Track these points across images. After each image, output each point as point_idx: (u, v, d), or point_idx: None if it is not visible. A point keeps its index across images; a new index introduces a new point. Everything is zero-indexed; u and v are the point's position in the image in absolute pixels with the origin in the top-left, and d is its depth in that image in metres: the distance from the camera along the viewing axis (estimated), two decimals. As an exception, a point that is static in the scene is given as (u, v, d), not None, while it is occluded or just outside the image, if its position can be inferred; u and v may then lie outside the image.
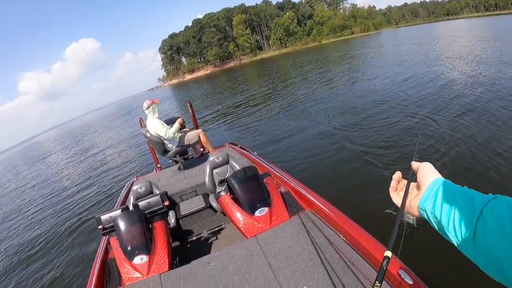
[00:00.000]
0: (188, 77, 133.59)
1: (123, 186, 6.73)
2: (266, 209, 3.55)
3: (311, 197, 3.57)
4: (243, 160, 5.53)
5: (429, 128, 7.89)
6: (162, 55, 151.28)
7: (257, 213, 3.53)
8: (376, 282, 0.87)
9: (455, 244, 0.75)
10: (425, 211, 0.86)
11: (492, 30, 34.90)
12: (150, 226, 3.68)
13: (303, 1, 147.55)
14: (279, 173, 4.54)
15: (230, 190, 3.96)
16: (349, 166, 6.96)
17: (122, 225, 3.54)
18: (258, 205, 3.61)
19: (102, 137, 29.46)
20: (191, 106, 7.40)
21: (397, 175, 1.06)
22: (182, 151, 6.32)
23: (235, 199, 3.86)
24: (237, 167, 4.73)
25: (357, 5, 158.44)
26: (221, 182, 4.31)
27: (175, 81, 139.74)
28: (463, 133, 7.15)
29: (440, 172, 0.89)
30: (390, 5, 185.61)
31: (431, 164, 0.95)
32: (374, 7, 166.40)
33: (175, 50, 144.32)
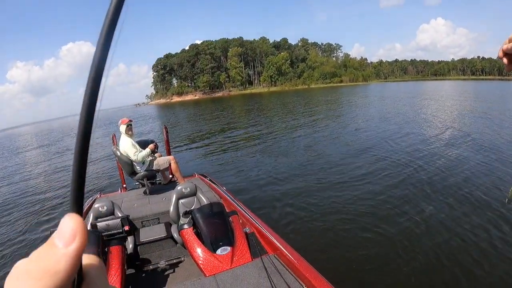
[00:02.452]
0: (176, 99, 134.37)
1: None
2: (228, 249, 3.47)
3: (275, 241, 3.51)
4: (211, 193, 5.46)
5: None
6: (154, 73, 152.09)
7: (219, 251, 3.45)
8: None
9: None
10: None
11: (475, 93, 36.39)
12: (106, 249, 3.54)
13: (299, 44, 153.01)
14: (245, 212, 4.46)
15: (194, 224, 3.90)
16: (319, 213, 6.88)
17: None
18: (221, 243, 3.54)
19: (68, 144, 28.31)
20: (166, 131, 7.33)
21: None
22: (151, 175, 6.23)
23: (198, 234, 3.79)
24: (204, 201, 4.66)
25: (350, 55, 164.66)
26: (186, 214, 4.27)
27: (162, 100, 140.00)
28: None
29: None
30: (382, 60, 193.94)
31: None
32: (366, 59, 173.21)
33: (168, 70, 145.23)
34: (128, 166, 5.99)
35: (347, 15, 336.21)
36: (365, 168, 9.70)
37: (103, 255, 3.44)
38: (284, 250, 3.28)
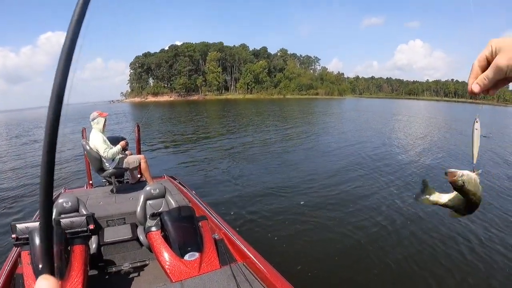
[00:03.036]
0: (151, 99, 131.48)
1: None
2: (197, 254, 3.40)
3: (244, 248, 3.47)
4: (180, 196, 5.39)
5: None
6: (131, 71, 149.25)
7: (186, 257, 3.38)
8: None
9: None
10: None
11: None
12: (69, 248, 3.39)
13: (278, 53, 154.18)
14: (215, 217, 4.43)
15: (162, 226, 3.81)
16: (288, 220, 6.98)
17: (38, 240, 3.08)
18: (189, 248, 3.47)
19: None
20: (138, 129, 7.15)
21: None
22: (119, 173, 6.10)
23: (166, 238, 3.70)
24: (173, 203, 4.59)
25: (327, 68, 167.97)
26: (153, 216, 4.19)
27: (137, 99, 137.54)
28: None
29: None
30: (358, 76, 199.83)
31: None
32: (343, 74, 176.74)
33: (145, 69, 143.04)
34: (97, 162, 5.83)
35: (329, 30, 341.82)
36: (334, 176, 10.27)
37: (66, 254, 3.27)
38: (254, 259, 3.26)
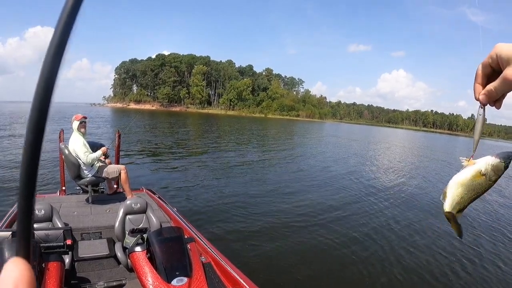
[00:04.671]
0: (133, 106, 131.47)
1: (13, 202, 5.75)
2: (185, 280, 3.15)
3: (235, 275, 3.31)
4: (161, 213, 5.18)
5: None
6: (116, 76, 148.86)
7: (174, 281, 3.12)
8: None
9: None
10: None
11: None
12: (43, 265, 3.05)
13: (264, 73, 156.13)
14: (200, 238, 4.20)
15: (148, 247, 3.55)
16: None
17: (8, 255, 2.75)
18: (177, 272, 3.22)
19: (21, 131, 24.62)
20: (119, 137, 6.82)
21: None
22: (96, 183, 5.83)
23: (151, 259, 3.45)
24: (154, 220, 4.37)
25: (310, 91, 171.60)
26: (133, 232, 3.96)
27: (119, 105, 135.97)
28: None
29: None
30: (340, 101, 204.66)
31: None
32: (325, 98, 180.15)
33: (130, 75, 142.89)
34: (75, 168, 5.50)
35: (316, 53, 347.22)
36: (314, 194, 10.90)
37: (40, 272, 2.94)
38: (245, 285, 3.13)
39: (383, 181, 15.19)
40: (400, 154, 30.94)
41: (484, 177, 0.82)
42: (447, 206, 0.88)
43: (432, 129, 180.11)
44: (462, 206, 0.87)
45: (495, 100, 0.78)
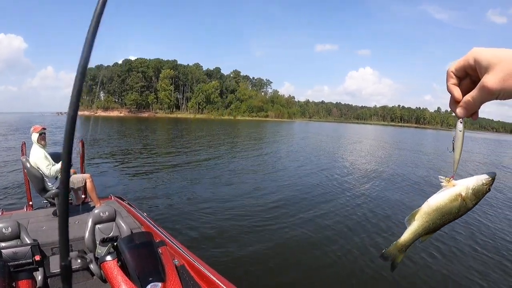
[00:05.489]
0: (101, 113, 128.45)
1: None
2: (159, 285, 3.10)
3: (210, 275, 3.32)
4: (131, 219, 5.13)
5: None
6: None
7: (148, 287, 3.09)
8: None
9: None
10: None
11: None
12: (14, 284, 3.02)
13: (231, 75, 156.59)
14: (172, 242, 4.16)
15: (119, 255, 3.48)
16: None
17: None
18: (150, 278, 3.16)
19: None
20: (82, 145, 6.66)
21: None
22: None
23: (123, 267, 3.38)
24: (124, 227, 4.31)
25: (279, 92, 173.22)
26: (104, 241, 3.90)
27: (86, 113, 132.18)
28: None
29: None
30: (309, 100, 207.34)
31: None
32: (294, 97, 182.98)
33: (96, 82, 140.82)
34: (38, 181, 5.36)
35: (283, 54, 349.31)
36: (285, 196, 11.07)
37: None
38: (221, 284, 3.14)
39: (356, 176, 15.91)
40: (370, 148, 32.37)
41: (463, 201, 0.76)
42: (408, 235, 0.82)
43: (400, 124, 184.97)
44: (428, 232, 0.81)
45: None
